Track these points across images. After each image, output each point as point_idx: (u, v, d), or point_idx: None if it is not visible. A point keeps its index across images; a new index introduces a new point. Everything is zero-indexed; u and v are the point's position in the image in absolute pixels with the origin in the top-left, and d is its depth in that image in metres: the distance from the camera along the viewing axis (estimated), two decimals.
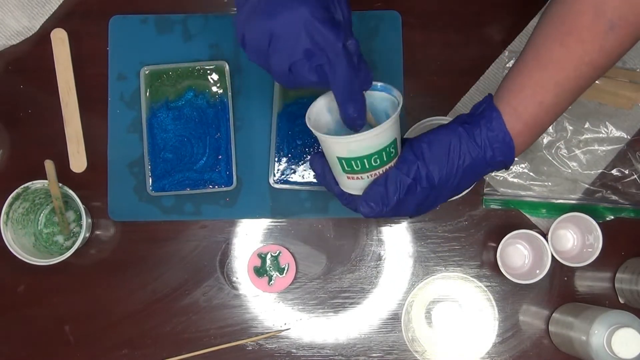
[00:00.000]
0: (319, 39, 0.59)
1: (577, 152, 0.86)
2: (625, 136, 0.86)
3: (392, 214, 0.66)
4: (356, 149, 0.63)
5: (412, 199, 0.64)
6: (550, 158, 0.86)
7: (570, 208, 0.85)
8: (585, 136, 0.86)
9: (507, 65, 0.86)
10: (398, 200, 0.64)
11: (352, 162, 0.64)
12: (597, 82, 0.84)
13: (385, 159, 0.64)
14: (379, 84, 0.66)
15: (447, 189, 0.65)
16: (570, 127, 0.86)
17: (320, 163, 0.68)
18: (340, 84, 0.61)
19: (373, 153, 0.63)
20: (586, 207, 0.85)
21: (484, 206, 0.86)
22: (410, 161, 0.64)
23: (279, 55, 0.60)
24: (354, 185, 0.66)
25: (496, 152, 0.64)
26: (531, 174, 0.86)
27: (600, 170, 0.86)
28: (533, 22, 0.86)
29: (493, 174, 0.86)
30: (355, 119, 0.64)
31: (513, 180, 0.86)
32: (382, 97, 0.67)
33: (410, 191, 0.64)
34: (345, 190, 0.67)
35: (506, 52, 0.86)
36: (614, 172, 0.86)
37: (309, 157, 0.84)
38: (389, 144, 0.64)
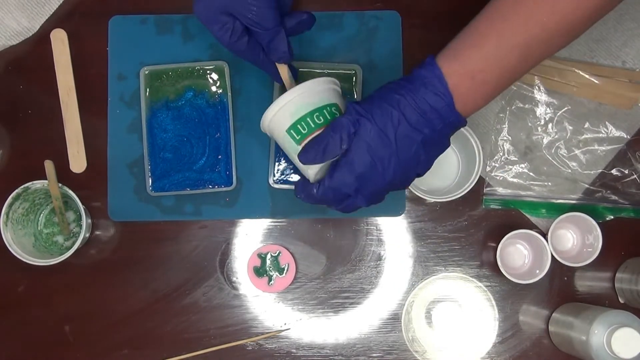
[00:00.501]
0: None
1: (577, 152, 0.86)
2: (625, 136, 0.86)
3: (349, 168, 0.65)
4: (295, 108, 0.68)
5: (359, 142, 0.65)
6: (550, 158, 0.86)
7: (570, 208, 0.85)
8: (585, 136, 0.86)
9: None
10: (334, 140, 0.65)
11: (298, 126, 0.68)
12: (597, 82, 0.85)
13: (329, 117, 0.68)
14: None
15: (391, 126, 0.64)
16: (570, 127, 0.86)
17: (299, 185, 0.70)
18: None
19: (313, 110, 0.68)
20: (586, 207, 0.85)
21: (483, 206, 0.86)
22: (347, 107, 0.67)
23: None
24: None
25: (428, 86, 0.64)
26: (531, 174, 0.86)
27: (600, 170, 0.86)
28: None
29: (493, 173, 0.86)
30: (282, 57, 0.73)
31: (513, 180, 0.86)
32: (328, 92, 0.71)
33: (353, 131, 0.65)
34: (312, 177, 0.69)
35: None
36: (614, 172, 0.86)
37: None
38: (328, 105, 0.68)
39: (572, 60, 0.86)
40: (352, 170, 0.65)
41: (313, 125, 0.68)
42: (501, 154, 0.86)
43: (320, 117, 0.68)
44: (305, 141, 0.68)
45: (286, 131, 0.69)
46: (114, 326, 0.85)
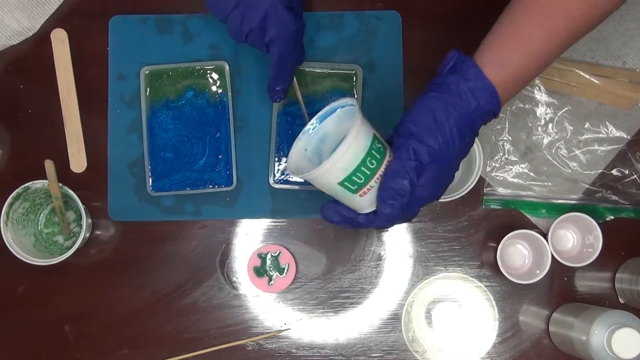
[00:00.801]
0: (277, 20, 0.72)
1: (577, 152, 0.86)
2: (625, 136, 0.86)
3: (418, 203, 0.65)
4: (347, 163, 0.63)
5: (428, 179, 0.64)
6: (550, 158, 0.86)
7: (570, 208, 0.85)
8: (585, 136, 0.86)
9: None
10: (413, 185, 0.64)
11: (354, 177, 0.64)
12: (597, 82, 0.85)
13: (378, 157, 0.64)
14: (336, 103, 0.68)
15: (452, 153, 0.64)
16: (570, 127, 0.86)
17: (332, 210, 0.68)
18: (277, 60, 0.75)
19: (364, 157, 0.63)
20: (586, 207, 0.85)
21: (483, 206, 0.86)
22: (404, 145, 0.64)
23: (241, 20, 0.73)
24: (369, 200, 0.66)
25: (480, 101, 0.64)
26: (531, 174, 0.86)
27: (600, 171, 0.86)
28: None
29: (493, 173, 0.86)
30: (278, 92, 0.78)
31: (513, 180, 0.86)
32: (344, 113, 0.68)
33: (421, 171, 0.64)
34: (365, 211, 0.67)
35: None
36: (614, 172, 0.86)
37: None
38: (371, 142, 0.64)
39: (572, 60, 0.86)
40: (417, 206, 0.66)
41: (369, 173, 0.64)
42: (501, 154, 0.86)
43: (373, 161, 0.64)
44: (363, 189, 0.65)
45: (339, 184, 0.65)
46: (114, 326, 0.85)
